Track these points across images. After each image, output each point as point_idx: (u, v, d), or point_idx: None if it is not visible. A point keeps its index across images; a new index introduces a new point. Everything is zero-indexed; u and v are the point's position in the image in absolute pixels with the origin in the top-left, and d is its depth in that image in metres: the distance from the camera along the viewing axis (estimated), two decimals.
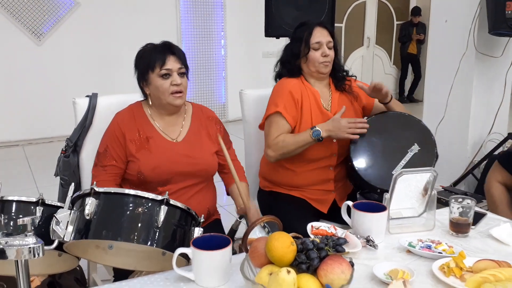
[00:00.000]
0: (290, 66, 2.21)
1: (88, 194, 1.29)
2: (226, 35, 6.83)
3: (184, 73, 1.90)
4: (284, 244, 1.14)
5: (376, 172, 2.00)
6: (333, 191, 2.20)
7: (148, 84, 1.90)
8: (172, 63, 1.85)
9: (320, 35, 2.14)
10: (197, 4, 6.59)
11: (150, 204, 1.31)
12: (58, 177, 2.20)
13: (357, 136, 2.01)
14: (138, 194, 1.30)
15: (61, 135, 5.85)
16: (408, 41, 8.23)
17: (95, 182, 1.34)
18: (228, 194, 2.09)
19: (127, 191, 1.32)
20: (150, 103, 1.95)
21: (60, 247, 1.36)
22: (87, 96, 2.21)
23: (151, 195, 1.31)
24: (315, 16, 3.33)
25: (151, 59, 1.86)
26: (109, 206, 1.30)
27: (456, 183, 3.68)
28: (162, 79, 1.85)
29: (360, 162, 2.01)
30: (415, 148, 2.03)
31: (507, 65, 3.68)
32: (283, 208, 2.17)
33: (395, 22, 8.45)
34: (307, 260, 1.13)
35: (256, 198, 2.41)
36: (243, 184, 1.97)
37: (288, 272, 1.06)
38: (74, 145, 2.18)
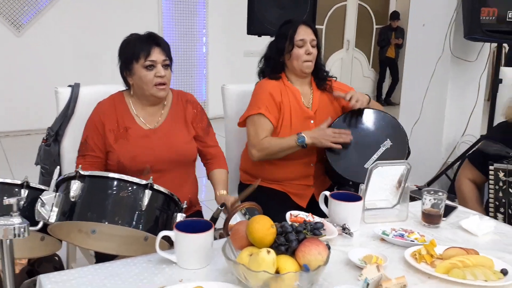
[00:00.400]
0: (274, 62, 2.25)
1: (73, 177, 1.32)
2: (208, 33, 6.86)
3: (168, 65, 1.92)
4: (264, 226, 1.19)
5: (348, 165, 2.08)
6: (312, 186, 2.26)
7: (131, 74, 1.91)
8: (156, 55, 1.87)
9: (304, 33, 2.19)
10: (180, 1, 6.60)
11: (134, 188, 1.34)
12: (38, 169, 2.20)
13: (339, 146, 2.06)
14: (123, 178, 1.34)
15: (39, 128, 5.78)
16: (386, 45, 8.38)
17: (80, 166, 1.36)
18: (208, 178, 2.11)
19: (111, 174, 1.35)
20: (132, 93, 1.97)
21: (43, 230, 1.38)
22: (69, 86, 2.22)
23: (135, 179, 1.34)
24: (297, 15, 3.40)
25: (136, 49, 1.87)
26: (94, 189, 1.33)
27: (430, 183, 3.78)
28: (146, 70, 1.86)
29: (333, 155, 2.09)
30: (388, 143, 2.11)
31: (481, 69, 3.80)
32: (264, 201, 2.18)
33: (375, 26, 8.60)
34: (286, 242, 1.18)
35: (237, 191, 2.45)
36: (223, 171, 2.04)
37: (268, 252, 1.11)
38: (55, 134, 2.19)
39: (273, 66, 2.27)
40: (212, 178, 2.05)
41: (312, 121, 2.22)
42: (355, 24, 8.28)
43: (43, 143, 2.23)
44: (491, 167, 2.04)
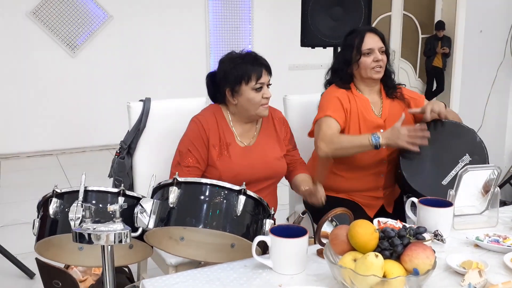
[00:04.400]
0: (342, 73, 2.22)
1: (171, 184, 1.35)
2: (254, 48, 6.93)
3: (270, 84, 1.96)
4: (367, 230, 1.17)
5: (425, 181, 1.97)
6: (381, 197, 2.21)
7: (238, 95, 1.92)
8: (265, 77, 1.91)
9: (371, 41, 2.14)
10: (226, 18, 6.70)
11: (227, 194, 1.35)
12: (99, 180, 2.25)
13: (417, 148, 1.94)
14: (217, 184, 1.35)
15: (93, 145, 5.97)
16: (433, 55, 8.24)
17: (177, 173, 1.39)
18: (290, 182, 2.16)
19: (204, 180, 1.36)
20: (232, 110, 1.99)
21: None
22: (140, 100, 2.28)
23: (229, 185, 1.35)
24: (351, 26, 3.37)
25: (247, 71, 1.89)
26: (190, 195, 1.34)
27: None
28: (255, 92, 1.90)
29: (409, 170, 1.99)
30: (466, 158, 2.00)
31: None
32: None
33: (420, 36, 8.48)
34: (390, 247, 1.16)
35: (303, 201, 2.44)
36: (306, 175, 2.08)
37: (376, 256, 1.09)
38: (128, 148, 2.24)
39: (341, 77, 2.23)
40: (296, 180, 2.06)
41: (381, 130, 2.17)
42: (401, 34, 8.18)
43: (116, 156, 2.29)
44: None
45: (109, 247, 1.27)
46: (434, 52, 8.23)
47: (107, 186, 1.44)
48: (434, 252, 1.16)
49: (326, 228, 1.49)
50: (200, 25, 6.55)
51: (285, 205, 2.70)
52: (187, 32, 6.42)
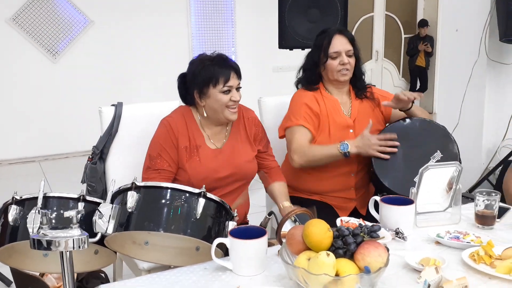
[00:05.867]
0: (310, 73, 2.24)
1: (129, 189, 1.35)
2: (237, 50, 6.93)
3: (240, 87, 1.95)
4: (321, 230, 1.18)
5: (397, 178, 1.99)
6: (354, 199, 2.22)
7: (205, 97, 1.91)
8: (234, 80, 1.90)
9: (339, 44, 2.14)
10: (208, 21, 6.70)
11: (188, 197, 1.35)
12: (77, 189, 2.24)
13: (387, 156, 1.99)
14: (177, 187, 1.35)
15: (76, 151, 5.93)
16: (416, 54, 8.28)
17: (135, 177, 1.39)
18: (265, 188, 2.16)
19: (164, 184, 1.37)
20: (201, 112, 1.97)
21: (97, 242, 1.40)
22: (112, 105, 2.28)
23: (188, 188, 1.36)
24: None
25: (215, 74, 1.87)
26: (149, 199, 1.35)
27: (472, 189, 3.71)
28: (223, 94, 1.88)
29: (381, 168, 2.01)
30: (438, 155, 2.03)
31: None
32: None
33: (403, 36, 8.53)
34: (344, 245, 1.17)
35: None
36: (283, 183, 2.08)
37: (328, 255, 1.10)
38: (100, 153, 2.23)
39: (309, 77, 2.25)
40: (272, 191, 2.07)
41: (351, 130, 2.18)
42: (383, 35, 8.24)
43: (88, 161, 2.27)
44: None
45: (68, 253, 1.27)
46: (416, 51, 8.28)
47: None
48: (388, 250, 1.18)
49: (289, 228, 1.50)
50: (183, 29, 6.54)
51: (262, 206, 2.70)
52: (170, 36, 6.40)
